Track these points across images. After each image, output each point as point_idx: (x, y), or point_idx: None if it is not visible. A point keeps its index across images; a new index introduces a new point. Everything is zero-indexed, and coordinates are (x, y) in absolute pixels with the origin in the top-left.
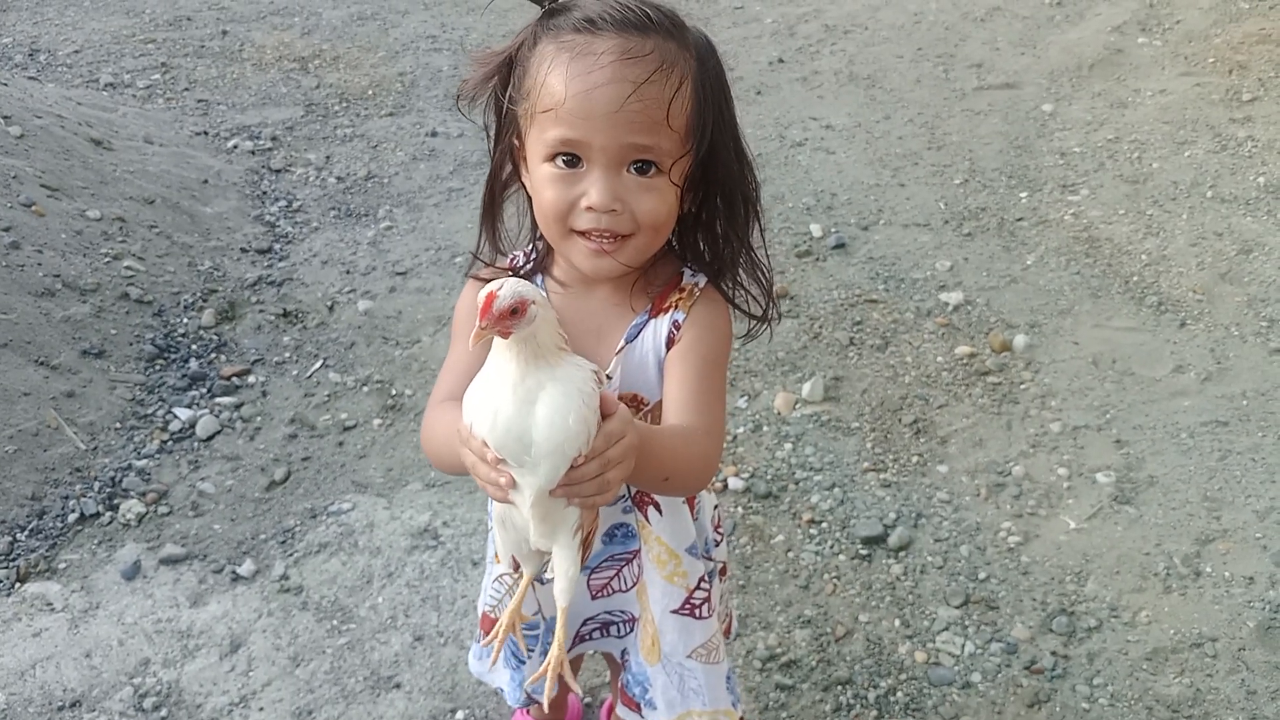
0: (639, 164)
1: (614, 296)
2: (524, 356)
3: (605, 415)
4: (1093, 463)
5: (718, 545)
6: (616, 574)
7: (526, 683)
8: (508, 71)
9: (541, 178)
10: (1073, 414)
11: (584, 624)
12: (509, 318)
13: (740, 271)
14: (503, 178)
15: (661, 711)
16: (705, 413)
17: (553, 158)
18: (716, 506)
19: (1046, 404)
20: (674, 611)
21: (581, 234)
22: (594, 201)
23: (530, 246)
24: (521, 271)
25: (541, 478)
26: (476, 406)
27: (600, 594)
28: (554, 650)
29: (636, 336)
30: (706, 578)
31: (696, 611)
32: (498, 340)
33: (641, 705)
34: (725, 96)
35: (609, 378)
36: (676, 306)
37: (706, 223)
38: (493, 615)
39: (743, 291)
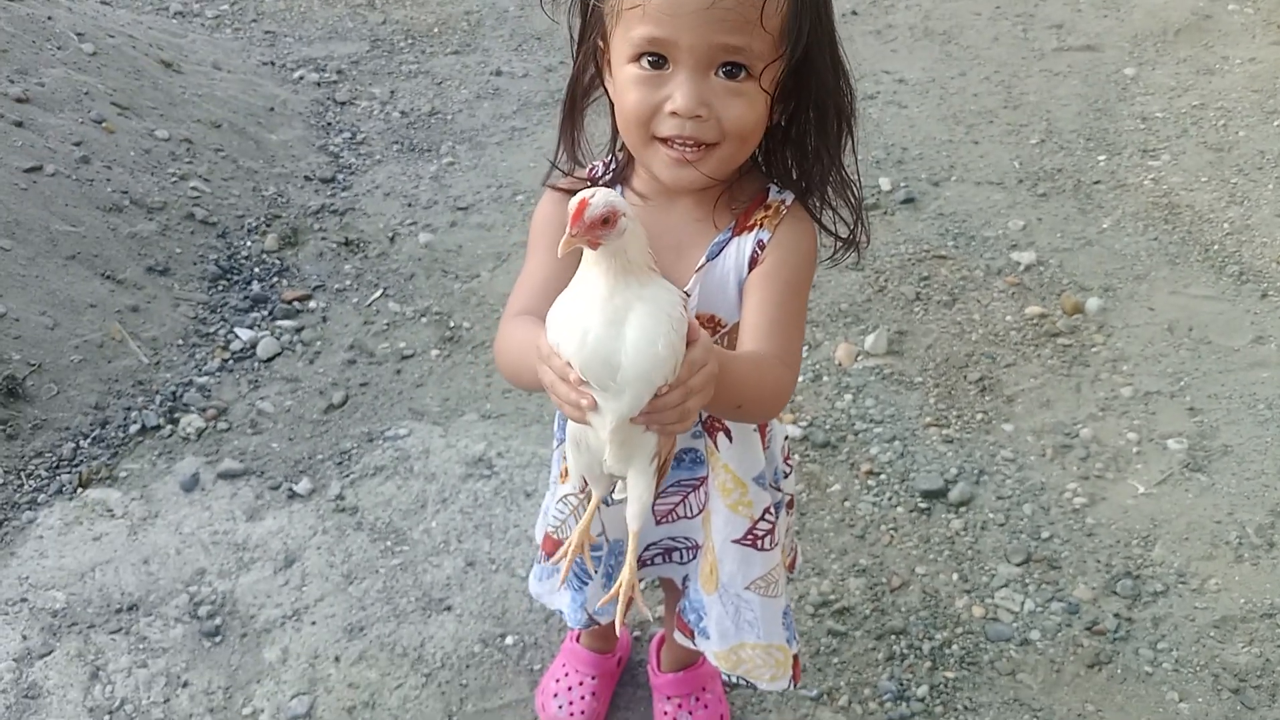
0: (729, 67)
1: (696, 211)
2: (614, 271)
3: (689, 342)
4: (1164, 429)
5: (787, 477)
6: (683, 500)
7: (596, 604)
8: None
9: (625, 79)
10: (1145, 379)
11: (647, 548)
12: (600, 227)
13: (829, 190)
14: (585, 82)
15: (714, 641)
16: (783, 340)
17: (638, 58)
18: (787, 438)
19: (1118, 368)
20: (735, 541)
21: (664, 141)
22: (679, 105)
23: (610, 156)
24: (601, 182)
25: (625, 404)
26: (564, 325)
27: (665, 519)
28: (625, 574)
29: (719, 254)
30: (773, 509)
31: (759, 543)
32: (586, 253)
33: (695, 633)
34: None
35: (688, 296)
36: (762, 225)
37: (796, 136)
38: (556, 536)
39: (830, 211)
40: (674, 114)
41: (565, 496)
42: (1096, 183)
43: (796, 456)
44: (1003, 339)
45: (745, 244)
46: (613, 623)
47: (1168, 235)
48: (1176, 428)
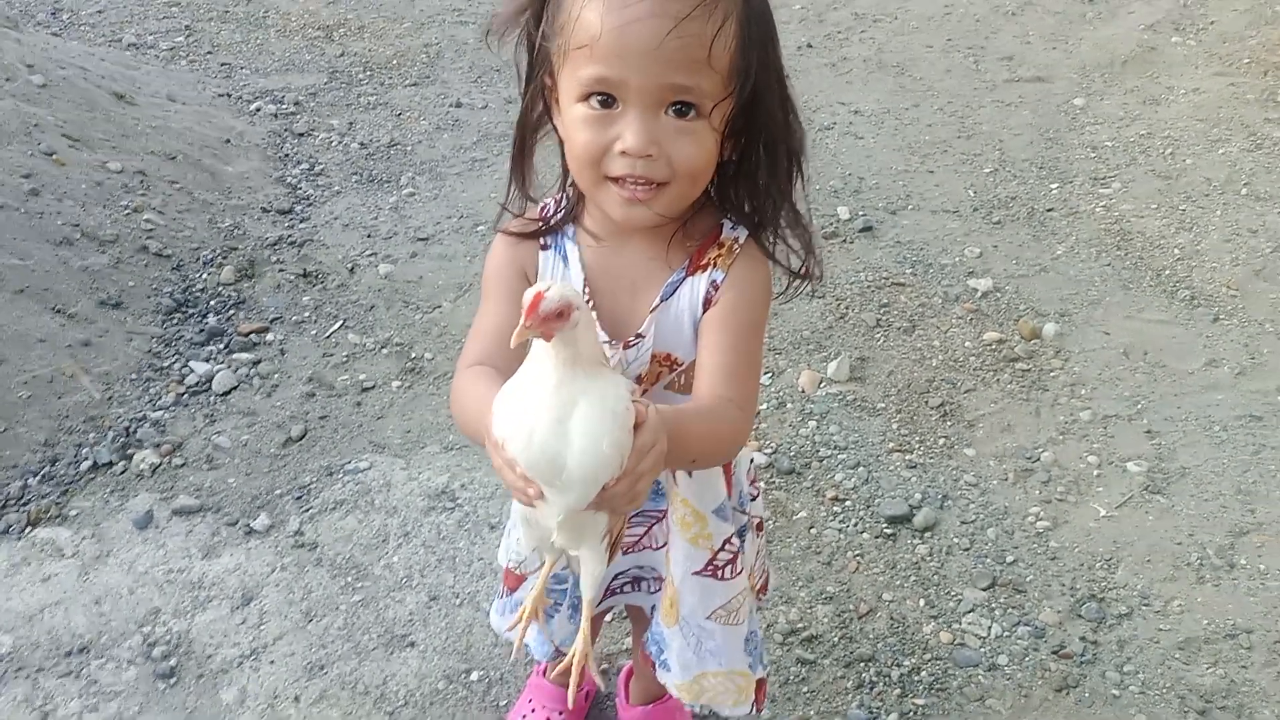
0: (678, 106)
1: (650, 250)
2: (562, 362)
3: (638, 424)
4: (1123, 452)
5: (754, 500)
6: (647, 531)
7: (559, 638)
8: (540, 4)
9: (574, 119)
10: (1103, 403)
11: (615, 578)
12: (554, 320)
13: (782, 225)
14: (533, 119)
15: (675, 673)
16: (739, 384)
17: (586, 98)
18: (753, 461)
19: (1076, 392)
20: (695, 573)
21: (615, 180)
22: (629, 145)
23: (560, 193)
24: (553, 220)
25: (571, 499)
26: (510, 420)
27: (632, 550)
28: (579, 643)
29: (673, 294)
30: (735, 538)
31: (719, 572)
32: (536, 341)
33: (657, 665)
34: (771, 36)
35: (638, 385)
36: (715, 264)
37: (748, 173)
38: (517, 572)
39: (783, 246)
40: (624, 153)
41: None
42: (1049, 210)
43: (761, 484)
44: (962, 364)
45: (699, 284)
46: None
47: (1120, 261)
48: (1135, 450)
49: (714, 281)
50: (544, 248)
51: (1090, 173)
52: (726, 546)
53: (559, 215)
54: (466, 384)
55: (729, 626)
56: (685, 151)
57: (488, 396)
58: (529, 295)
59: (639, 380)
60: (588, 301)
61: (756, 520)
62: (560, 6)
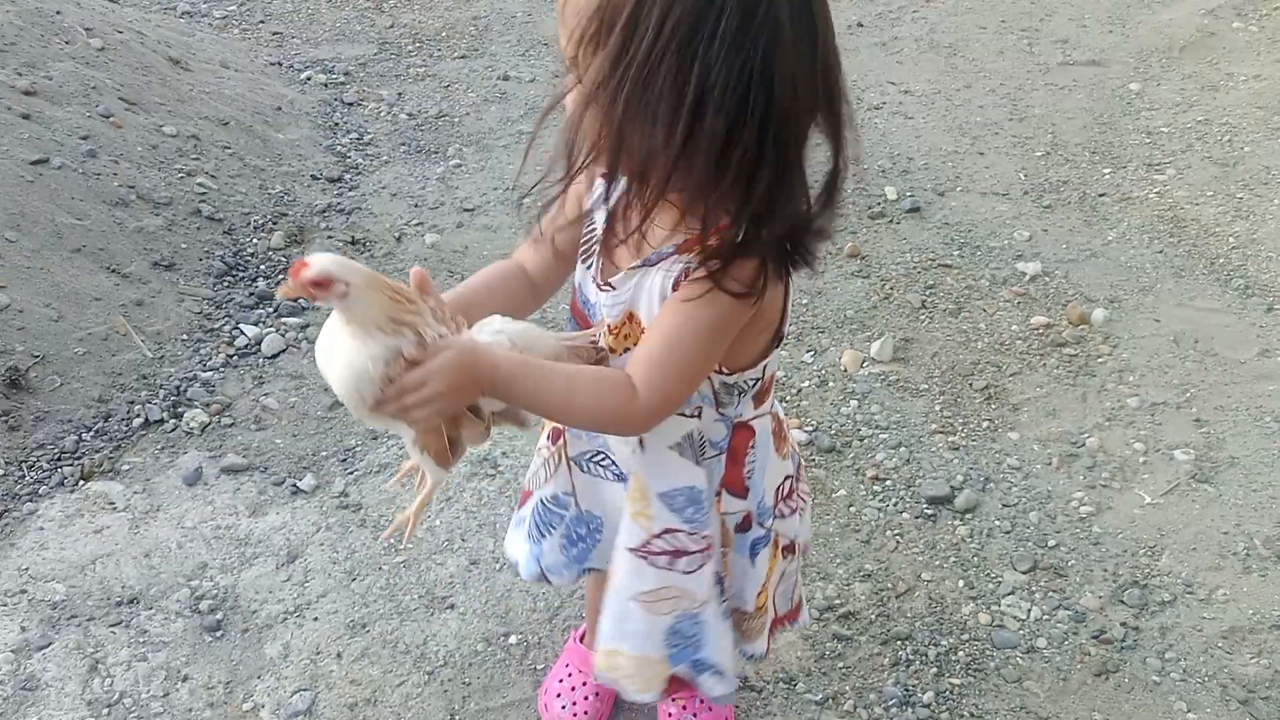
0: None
1: (660, 218)
2: (339, 316)
3: (416, 364)
4: (1171, 439)
5: (783, 518)
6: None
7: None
8: None
9: None
10: (1151, 390)
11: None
12: (313, 289)
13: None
14: None
15: (602, 634)
16: (652, 373)
17: None
18: (790, 478)
19: (1124, 379)
20: (630, 549)
21: None
22: None
23: None
24: None
25: (352, 412)
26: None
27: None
28: (411, 508)
29: (655, 264)
30: (682, 533)
31: (651, 558)
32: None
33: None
34: (642, 22)
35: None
36: (698, 254)
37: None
38: (527, 487)
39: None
40: None
41: (539, 448)
42: (1102, 195)
43: (806, 504)
44: (1008, 348)
45: (676, 266)
46: None
47: (1173, 248)
48: (1183, 439)
49: (687, 269)
50: (604, 176)
51: (1145, 158)
52: (666, 535)
53: None
54: (486, 267)
55: (651, 615)
56: (567, 104)
57: (475, 280)
58: (295, 262)
59: (609, 329)
60: (602, 234)
61: (786, 542)
62: None
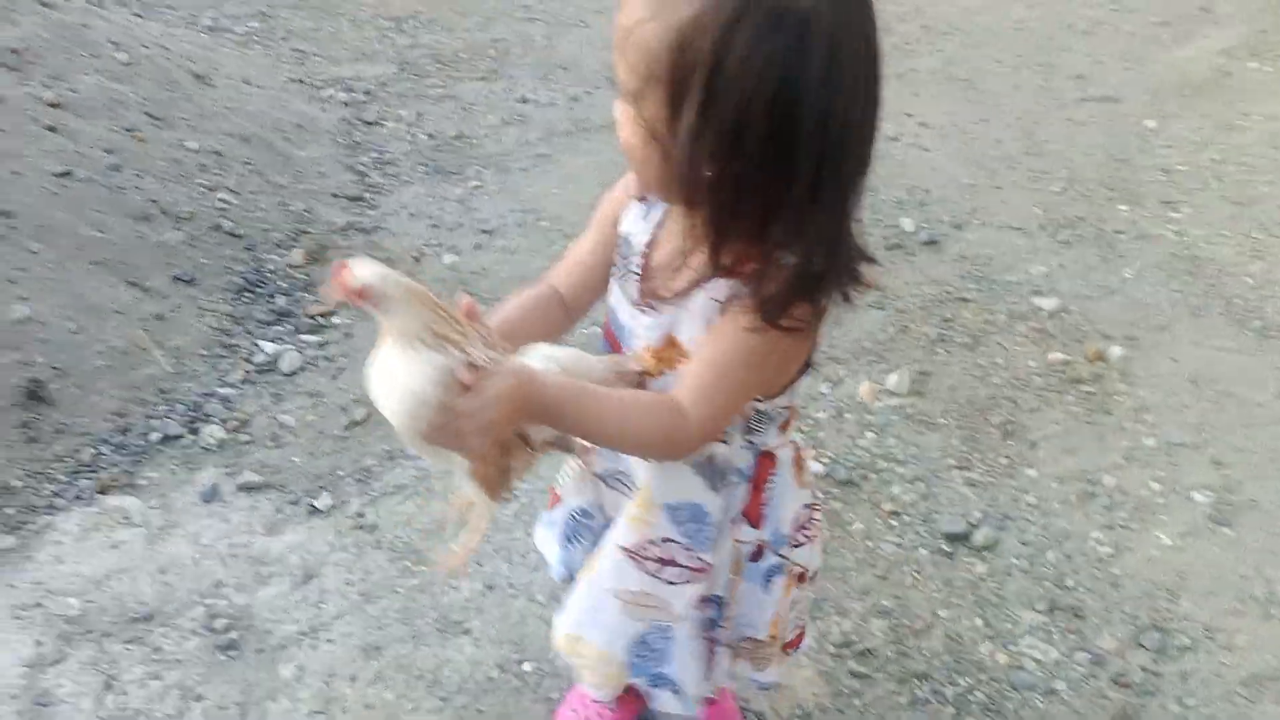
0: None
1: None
2: (387, 332)
3: (469, 389)
4: (1189, 480)
5: (798, 547)
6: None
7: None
8: None
9: None
10: (1169, 430)
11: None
12: (355, 296)
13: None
14: None
15: (564, 618)
16: (701, 397)
17: None
18: (810, 506)
19: (1141, 418)
20: (622, 547)
21: None
22: None
23: None
24: None
25: (403, 438)
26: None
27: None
28: (464, 540)
29: (700, 287)
30: (684, 549)
31: (643, 563)
32: None
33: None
34: (724, 60)
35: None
36: (746, 277)
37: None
38: (555, 490)
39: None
40: None
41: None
42: (1118, 232)
43: (820, 533)
44: (1025, 384)
45: (726, 288)
46: None
47: (1190, 287)
48: (1201, 480)
49: (736, 292)
50: (640, 199)
51: (1161, 196)
52: (663, 543)
53: None
54: (518, 292)
55: (625, 616)
56: (621, 133)
57: (510, 305)
58: (338, 265)
59: (650, 352)
60: (640, 258)
61: (798, 570)
62: None
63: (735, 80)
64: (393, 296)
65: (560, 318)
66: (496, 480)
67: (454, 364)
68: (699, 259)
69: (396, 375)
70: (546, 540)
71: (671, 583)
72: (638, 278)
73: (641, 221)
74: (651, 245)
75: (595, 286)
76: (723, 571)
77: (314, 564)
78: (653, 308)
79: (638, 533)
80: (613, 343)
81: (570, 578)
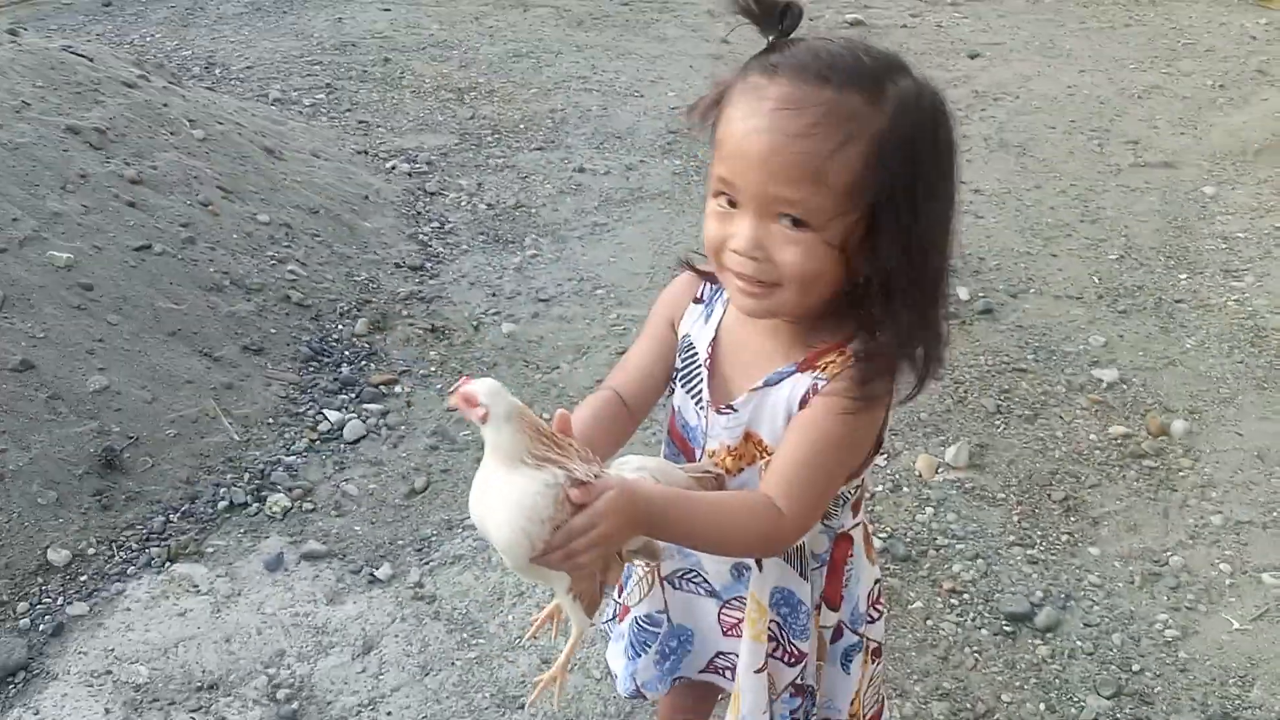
0: (788, 217)
1: (776, 335)
2: (491, 449)
3: (582, 506)
4: (1258, 561)
5: (872, 622)
6: (739, 621)
7: (643, 678)
8: (723, 95)
9: (708, 210)
10: (1235, 508)
11: (720, 655)
12: (465, 405)
13: (914, 347)
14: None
15: None
16: (794, 492)
17: (718, 194)
18: (879, 581)
19: (1207, 495)
20: (757, 671)
21: (736, 272)
22: (737, 245)
23: None
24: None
25: (507, 561)
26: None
27: (730, 632)
28: (561, 659)
29: (777, 383)
30: (781, 631)
31: (781, 659)
32: None
33: None
34: (921, 161)
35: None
36: (825, 369)
37: (882, 291)
38: (623, 602)
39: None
40: (734, 251)
41: (634, 568)
42: (1179, 301)
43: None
44: (1086, 458)
45: (802, 382)
46: None
47: (1254, 359)
48: (1271, 561)
49: (816, 384)
50: (697, 300)
51: (1222, 264)
52: (771, 625)
53: None
54: (586, 401)
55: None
56: (791, 259)
57: (583, 415)
58: (463, 379)
59: (727, 451)
60: (706, 359)
61: (874, 645)
62: (729, 101)
63: (891, 163)
64: (500, 414)
65: (626, 423)
66: (596, 597)
67: (562, 481)
68: (778, 356)
69: (507, 495)
70: (614, 654)
71: (788, 661)
72: (706, 378)
73: (703, 324)
74: (715, 345)
75: (656, 390)
76: (811, 658)
77: (374, 634)
78: (733, 408)
79: (762, 650)
80: (680, 443)
81: (637, 692)
